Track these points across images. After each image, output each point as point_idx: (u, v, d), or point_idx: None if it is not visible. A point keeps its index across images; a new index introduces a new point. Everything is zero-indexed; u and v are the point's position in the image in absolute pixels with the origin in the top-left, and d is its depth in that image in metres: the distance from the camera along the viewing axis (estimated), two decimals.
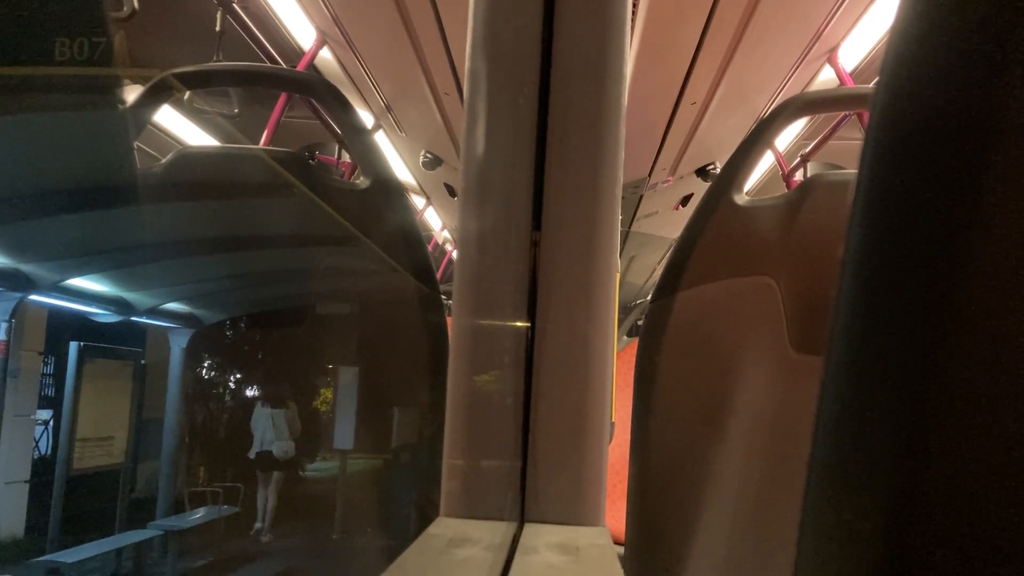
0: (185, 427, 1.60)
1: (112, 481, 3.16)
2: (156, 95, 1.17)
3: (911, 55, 0.22)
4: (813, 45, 2.20)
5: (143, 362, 3.30)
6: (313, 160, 2.71)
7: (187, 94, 1.57)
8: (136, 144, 1.15)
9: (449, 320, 0.91)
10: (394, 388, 1.23)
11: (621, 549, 1.21)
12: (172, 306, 1.62)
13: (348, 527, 1.32)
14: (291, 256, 1.32)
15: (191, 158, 1.20)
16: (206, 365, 1.64)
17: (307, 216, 1.19)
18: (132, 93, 1.15)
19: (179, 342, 1.57)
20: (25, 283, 1.39)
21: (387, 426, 1.23)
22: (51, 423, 4.60)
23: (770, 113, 1.26)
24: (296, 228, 1.24)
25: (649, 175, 3.24)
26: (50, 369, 4.70)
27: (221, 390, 1.57)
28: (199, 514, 1.70)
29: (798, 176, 2.82)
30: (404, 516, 1.22)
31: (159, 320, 1.68)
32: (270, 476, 1.68)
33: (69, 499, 3.03)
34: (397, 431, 1.21)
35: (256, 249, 1.33)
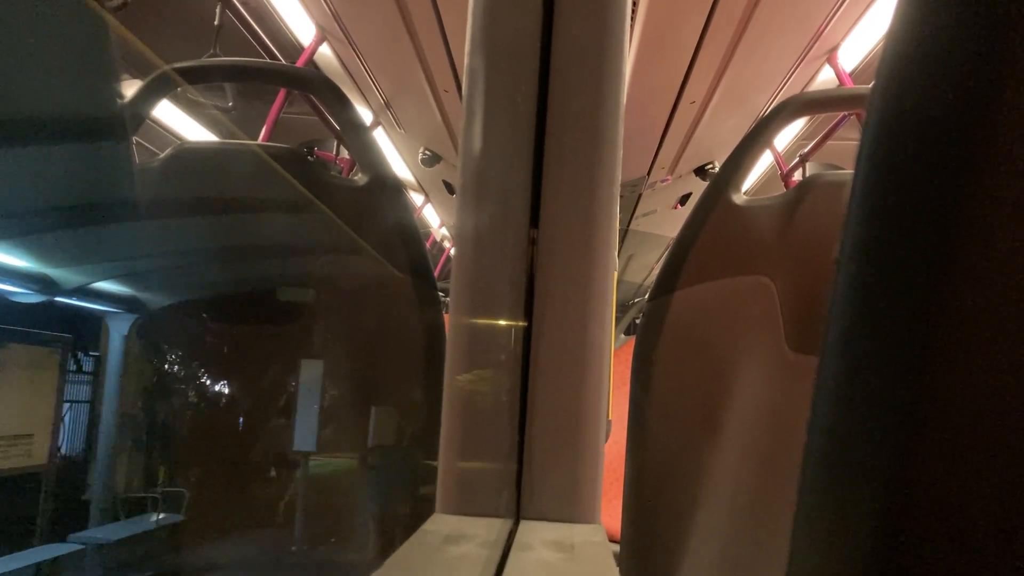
0: (124, 425, 1.41)
1: (37, 486, 2.76)
2: (155, 90, 1.17)
3: (907, 56, 0.22)
4: (813, 45, 2.20)
5: (96, 353, 2.93)
6: (312, 156, 2.71)
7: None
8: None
9: (446, 317, 0.91)
10: (390, 386, 1.22)
11: (616, 547, 1.21)
12: (107, 286, 1.40)
13: (312, 537, 1.22)
14: (282, 250, 1.28)
15: (189, 153, 1.19)
16: (155, 356, 1.41)
17: (301, 211, 1.18)
18: (130, 88, 1.15)
19: (119, 328, 1.37)
20: None
21: (382, 426, 1.21)
22: None
23: (769, 113, 1.26)
24: (289, 223, 1.23)
25: (648, 174, 3.24)
26: None
27: (175, 385, 1.36)
28: (133, 524, 1.44)
29: (797, 176, 2.82)
30: (387, 527, 1.16)
31: (92, 302, 1.42)
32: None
33: None
34: (395, 431, 1.20)
35: (246, 243, 1.28)
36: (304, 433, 1.25)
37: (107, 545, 1.52)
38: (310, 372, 1.25)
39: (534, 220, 0.55)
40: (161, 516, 1.35)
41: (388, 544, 1.14)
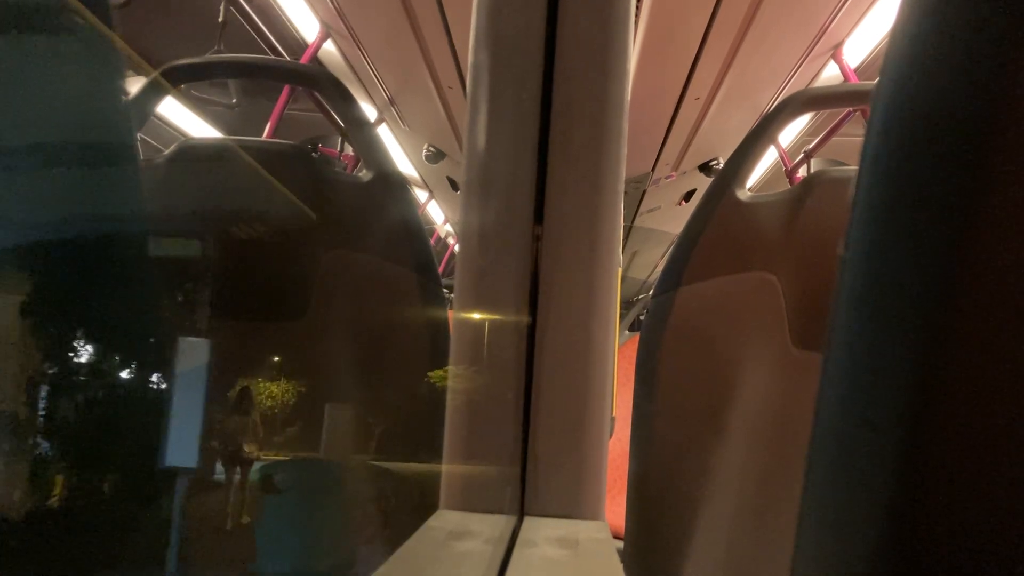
0: None
1: None
2: (159, 87, 1.17)
3: (912, 53, 0.22)
4: (818, 41, 2.20)
5: None
6: (315, 153, 2.71)
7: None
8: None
9: (451, 314, 0.90)
10: (388, 387, 1.20)
11: (620, 543, 1.21)
12: None
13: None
14: (282, 245, 1.23)
15: (193, 149, 1.19)
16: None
17: (304, 208, 1.17)
18: (135, 84, 1.15)
19: None
20: None
21: (375, 429, 1.17)
22: None
23: (774, 109, 1.25)
24: (291, 219, 1.21)
25: (652, 170, 3.24)
26: None
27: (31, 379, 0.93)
28: None
29: (801, 172, 2.81)
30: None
31: None
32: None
33: None
34: (396, 433, 1.16)
35: (241, 237, 1.21)
36: (181, 444, 0.89)
37: None
38: (190, 358, 0.87)
39: (538, 216, 0.55)
40: None
41: None
